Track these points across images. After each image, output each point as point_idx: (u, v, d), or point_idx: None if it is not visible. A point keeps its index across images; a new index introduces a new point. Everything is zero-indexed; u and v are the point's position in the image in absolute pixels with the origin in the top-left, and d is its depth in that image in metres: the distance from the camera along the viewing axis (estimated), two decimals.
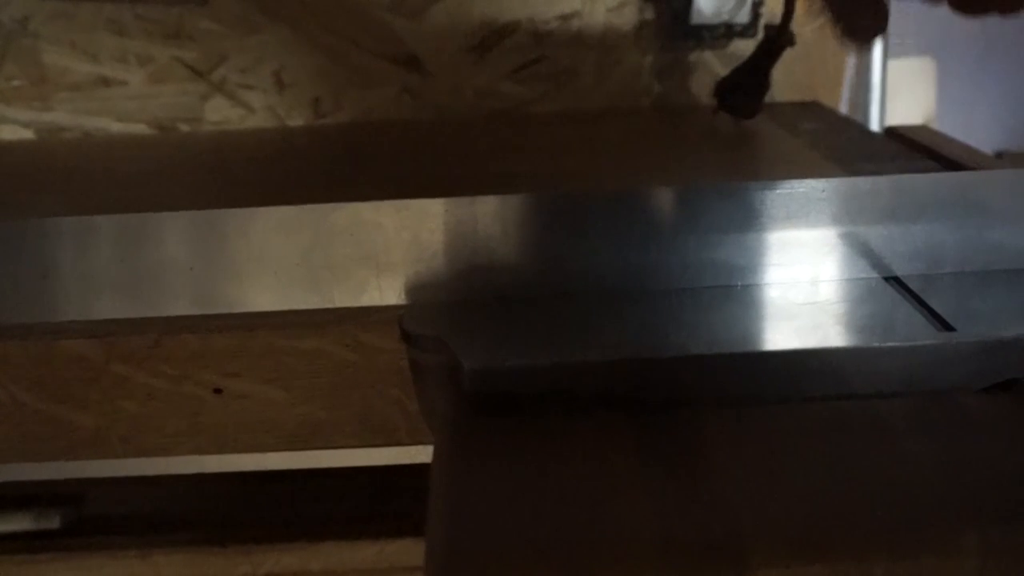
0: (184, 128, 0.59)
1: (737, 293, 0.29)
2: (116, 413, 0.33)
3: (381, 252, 0.29)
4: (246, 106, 0.59)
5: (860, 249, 0.30)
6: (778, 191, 0.29)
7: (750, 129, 0.57)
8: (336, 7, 0.57)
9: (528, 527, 0.22)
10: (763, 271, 0.30)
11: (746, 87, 0.54)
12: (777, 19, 0.51)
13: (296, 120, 0.60)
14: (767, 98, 0.63)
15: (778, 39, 0.52)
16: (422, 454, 0.29)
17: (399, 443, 0.33)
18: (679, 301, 0.29)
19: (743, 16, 0.55)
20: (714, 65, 0.60)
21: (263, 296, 0.30)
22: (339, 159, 0.55)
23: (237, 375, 0.33)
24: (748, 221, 0.29)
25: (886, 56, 0.68)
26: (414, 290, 0.29)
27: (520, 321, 0.28)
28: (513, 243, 0.29)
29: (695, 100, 0.61)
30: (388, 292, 0.29)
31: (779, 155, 0.52)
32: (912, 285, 0.30)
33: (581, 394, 0.26)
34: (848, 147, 0.52)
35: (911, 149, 0.51)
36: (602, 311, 0.29)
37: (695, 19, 0.55)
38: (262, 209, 0.29)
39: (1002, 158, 0.87)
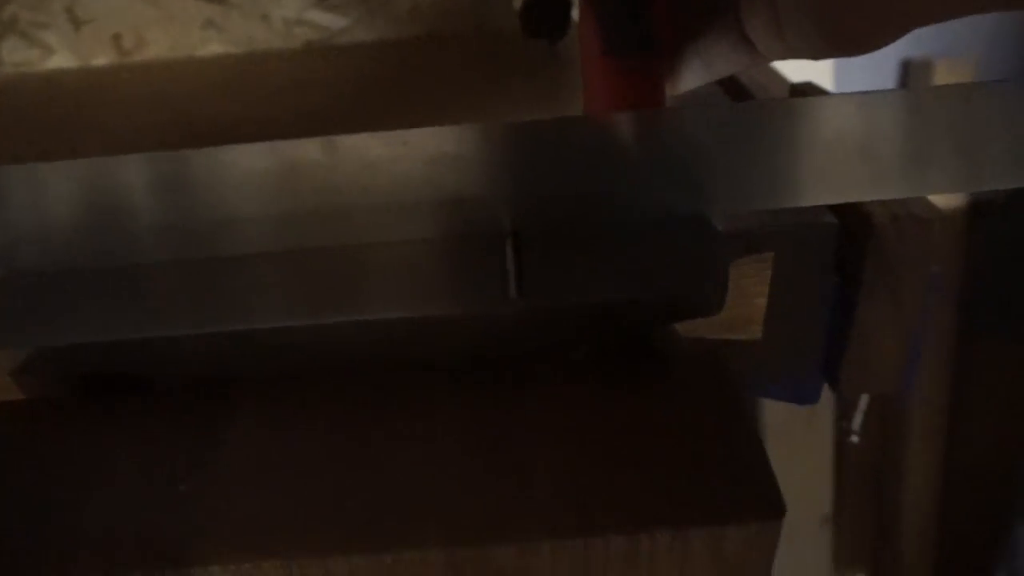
0: None
1: (327, 256, 0.27)
2: None
3: None
4: (43, 46, 0.57)
5: (483, 202, 0.27)
6: (404, 139, 0.27)
7: (561, 54, 0.54)
8: None
9: None
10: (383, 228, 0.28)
11: (547, 8, 0.50)
12: None
13: (100, 59, 0.58)
14: None
15: None
16: None
17: None
18: (248, 267, 0.27)
19: None
20: None
21: None
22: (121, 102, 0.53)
23: None
24: (365, 171, 0.27)
25: None
26: None
27: (67, 297, 0.26)
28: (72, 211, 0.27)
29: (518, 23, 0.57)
30: None
31: (565, 85, 0.49)
32: (533, 241, 0.27)
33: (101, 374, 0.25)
34: None
35: None
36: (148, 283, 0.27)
37: None
38: None
39: (908, 68, 0.82)
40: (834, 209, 0.32)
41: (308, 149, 0.24)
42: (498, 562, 0.20)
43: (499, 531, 0.21)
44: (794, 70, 0.59)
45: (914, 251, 0.31)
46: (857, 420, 0.44)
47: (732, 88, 0.44)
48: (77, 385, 0.27)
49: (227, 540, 0.21)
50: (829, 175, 0.28)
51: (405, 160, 0.25)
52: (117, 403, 0.25)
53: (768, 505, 0.20)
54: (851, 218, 0.32)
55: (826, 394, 0.38)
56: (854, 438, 0.46)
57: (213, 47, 0.57)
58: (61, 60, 0.57)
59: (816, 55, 0.27)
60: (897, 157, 0.27)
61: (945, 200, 0.87)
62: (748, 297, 0.32)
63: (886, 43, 0.26)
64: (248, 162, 0.25)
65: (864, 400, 0.42)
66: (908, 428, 0.93)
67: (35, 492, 0.22)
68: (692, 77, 0.30)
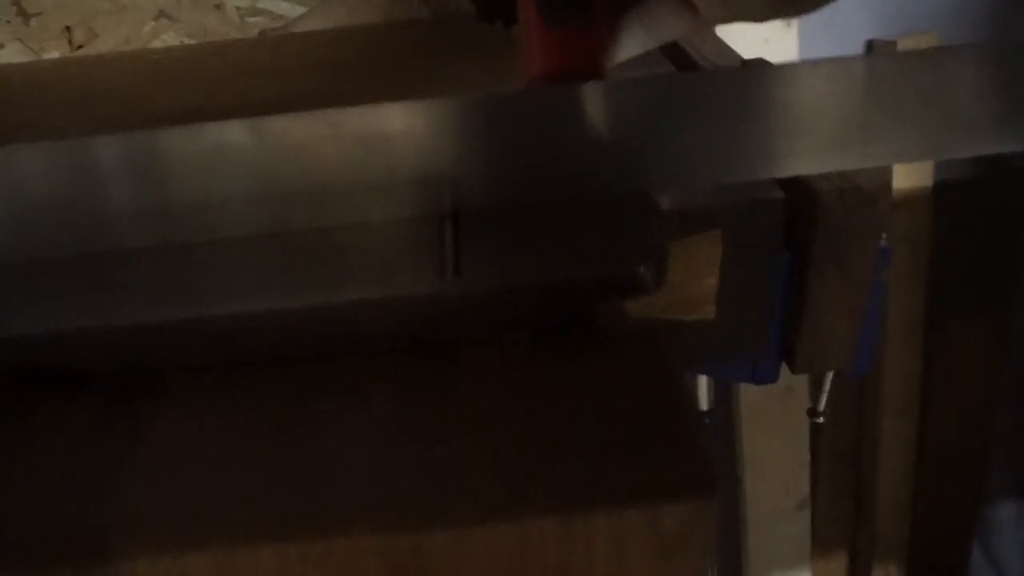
0: None
1: (257, 241, 0.26)
2: None
3: None
4: None
5: (419, 183, 0.27)
6: (333, 119, 0.26)
7: (514, 37, 0.53)
8: None
9: None
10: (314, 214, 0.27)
11: None
12: None
13: (51, 53, 0.57)
14: None
15: None
16: None
17: None
18: (187, 256, 0.26)
19: None
20: None
21: None
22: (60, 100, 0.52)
23: None
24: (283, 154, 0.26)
25: None
26: None
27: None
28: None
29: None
30: None
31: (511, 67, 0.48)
32: (471, 223, 0.27)
33: (43, 367, 0.24)
34: None
35: (670, 52, 0.47)
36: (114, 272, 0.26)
37: None
38: None
39: (872, 48, 0.82)
40: (781, 184, 0.32)
41: (233, 132, 0.24)
42: (431, 549, 0.20)
43: (431, 517, 0.20)
44: (757, 50, 0.59)
45: (861, 224, 0.31)
46: (822, 401, 0.44)
47: (684, 66, 0.43)
48: (15, 376, 0.26)
49: (152, 533, 0.20)
50: (776, 148, 0.27)
51: (335, 141, 0.24)
52: (40, 396, 0.24)
53: (698, 483, 0.20)
54: (798, 193, 0.31)
55: (801, 376, 0.38)
56: (820, 419, 0.46)
57: (166, 38, 0.56)
58: (10, 54, 0.56)
59: (757, 17, 0.26)
60: (846, 127, 0.27)
61: (912, 176, 0.87)
62: (699, 276, 0.32)
63: (827, 2, 0.25)
64: (173, 146, 0.24)
65: (828, 380, 0.42)
66: (882, 407, 0.93)
67: None
68: (633, 43, 0.29)
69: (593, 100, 0.25)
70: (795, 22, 0.71)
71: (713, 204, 0.31)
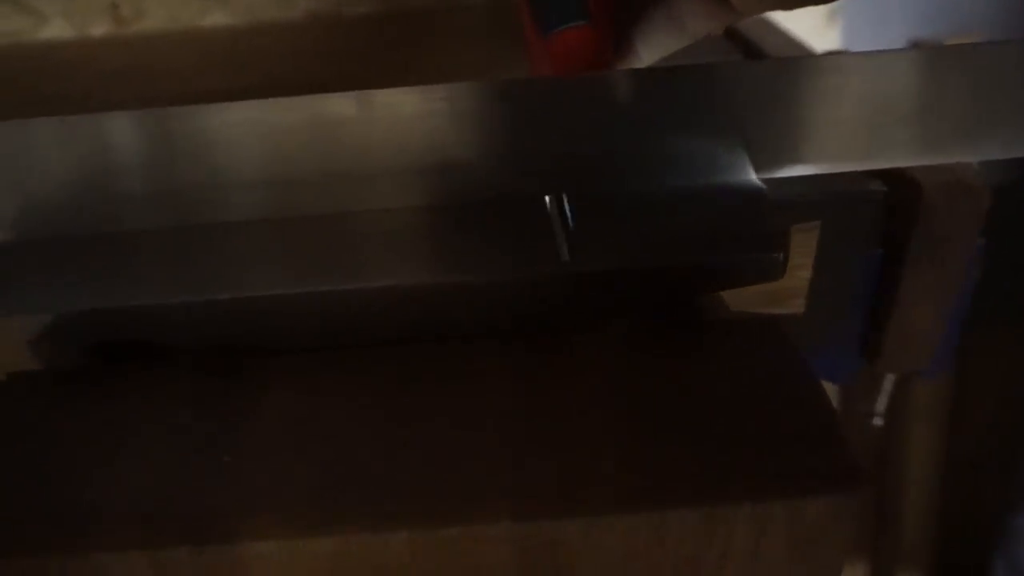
0: None
1: (359, 219, 0.26)
2: None
3: None
4: (36, 14, 0.54)
5: (525, 162, 0.26)
6: (442, 93, 0.25)
7: None
8: None
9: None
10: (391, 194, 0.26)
11: None
12: None
13: (96, 29, 0.56)
14: None
15: None
16: None
17: None
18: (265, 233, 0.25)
19: None
20: None
21: None
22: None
23: None
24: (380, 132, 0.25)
25: None
26: None
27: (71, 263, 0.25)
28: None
29: None
30: None
31: None
32: (575, 205, 0.26)
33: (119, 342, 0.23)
34: None
35: (730, 40, 0.46)
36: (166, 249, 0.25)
37: None
38: None
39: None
40: (879, 176, 0.31)
41: (339, 104, 0.23)
42: (565, 536, 0.19)
43: (567, 504, 0.19)
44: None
45: (963, 221, 0.30)
46: (882, 402, 0.43)
47: (752, 55, 0.43)
48: (97, 353, 0.25)
49: (277, 514, 0.19)
50: (880, 137, 0.27)
51: (438, 117, 0.24)
52: (139, 372, 0.23)
53: (846, 474, 0.19)
54: (897, 186, 0.31)
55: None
56: (877, 420, 0.45)
57: (214, 18, 0.55)
58: (55, 30, 0.55)
59: (787, 5, 0.26)
60: (955, 118, 0.26)
61: None
62: (792, 269, 0.31)
63: None
64: (275, 118, 0.23)
65: (889, 381, 0.42)
66: (909, 413, 0.93)
67: (66, 464, 0.20)
68: (665, 41, 0.28)
69: (685, 82, 0.25)
70: (839, 21, 0.71)
71: (811, 194, 0.30)
